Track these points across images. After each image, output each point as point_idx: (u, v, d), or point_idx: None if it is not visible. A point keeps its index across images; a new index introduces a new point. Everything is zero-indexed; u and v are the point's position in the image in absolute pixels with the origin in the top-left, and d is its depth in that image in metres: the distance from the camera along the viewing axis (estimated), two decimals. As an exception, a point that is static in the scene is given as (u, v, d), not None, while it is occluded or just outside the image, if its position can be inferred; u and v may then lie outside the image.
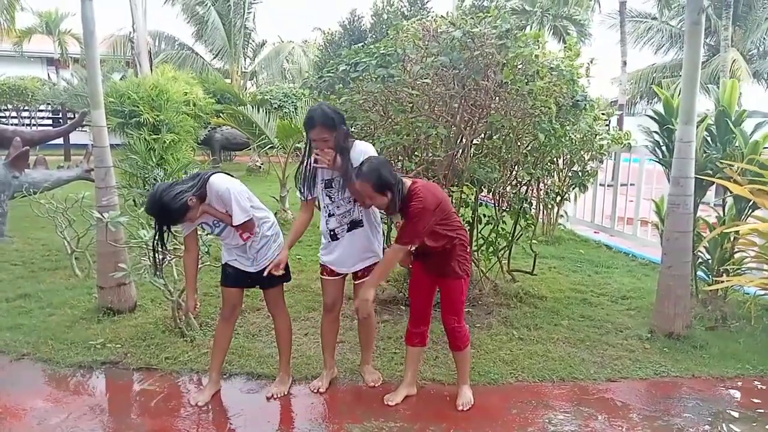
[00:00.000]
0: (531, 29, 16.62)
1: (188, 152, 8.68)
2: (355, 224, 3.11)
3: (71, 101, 14.82)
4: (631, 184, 7.44)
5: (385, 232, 4.89)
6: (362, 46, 4.58)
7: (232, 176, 3.00)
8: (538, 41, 4.30)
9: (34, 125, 18.27)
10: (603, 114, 5.90)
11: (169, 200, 2.75)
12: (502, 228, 4.59)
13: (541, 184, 5.19)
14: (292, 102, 15.02)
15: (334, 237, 3.12)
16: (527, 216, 4.71)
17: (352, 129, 3.88)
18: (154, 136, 7.37)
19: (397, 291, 4.66)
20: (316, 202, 3.23)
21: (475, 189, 4.33)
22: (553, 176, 5.40)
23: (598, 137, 5.56)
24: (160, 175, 6.91)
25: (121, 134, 7.98)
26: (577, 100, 4.47)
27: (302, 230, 3.19)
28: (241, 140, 14.33)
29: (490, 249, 4.63)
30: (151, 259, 3.23)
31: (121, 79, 10.33)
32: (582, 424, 3.02)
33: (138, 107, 7.54)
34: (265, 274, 3.03)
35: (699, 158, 4.31)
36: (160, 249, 3.02)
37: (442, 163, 4.00)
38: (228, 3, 19.70)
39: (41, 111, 19.04)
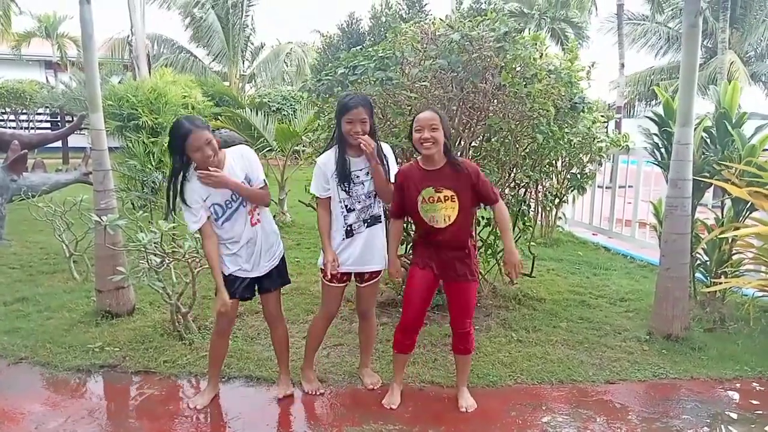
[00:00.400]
0: (529, 32, 16.66)
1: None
2: (375, 219, 3.08)
3: (69, 104, 14.82)
4: (629, 186, 7.45)
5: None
6: (361, 49, 4.58)
7: None
8: (537, 44, 4.31)
9: (32, 128, 18.25)
10: (602, 116, 5.90)
11: (193, 118, 2.78)
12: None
13: (540, 187, 5.20)
14: (291, 105, 15.05)
15: (349, 233, 3.02)
16: (526, 218, 4.71)
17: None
18: (153, 139, 7.37)
19: (396, 293, 4.65)
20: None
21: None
22: (552, 178, 5.40)
23: (596, 139, 5.57)
24: (159, 179, 6.91)
25: (120, 137, 7.99)
26: (576, 103, 4.48)
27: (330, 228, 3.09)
28: (239, 143, 14.31)
29: (489, 251, 4.63)
30: (170, 200, 2.88)
31: (119, 82, 10.34)
32: (581, 427, 3.01)
33: (136, 110, 7.56)
34: None
35: (697, 160, 4.32)
36: (176, 188, 2.83)
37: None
38: (226, 5, 19.74)
39: (39, 114, 19.02)
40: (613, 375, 3.55)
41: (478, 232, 4.62)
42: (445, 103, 4.00)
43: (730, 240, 4.39)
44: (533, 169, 4.47)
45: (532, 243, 5.14)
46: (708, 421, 3.12)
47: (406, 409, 3.12)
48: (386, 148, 3.11)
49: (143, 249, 3.67)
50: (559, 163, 5.72)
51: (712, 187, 4.66)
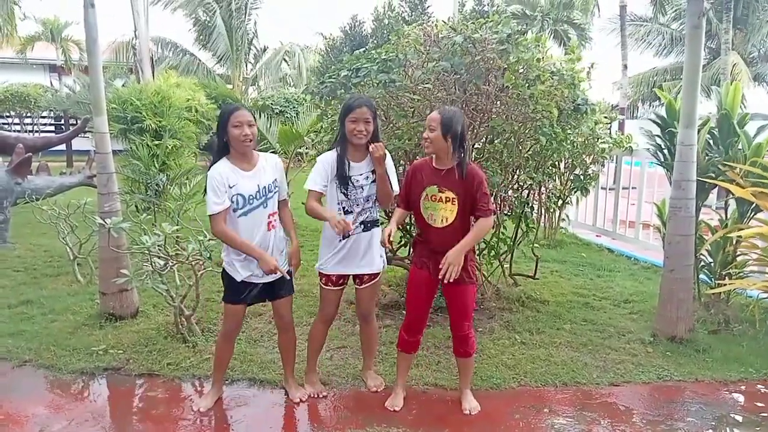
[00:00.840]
0: (532, 34, 16.65)
1: (190, 158, 8.71)
2: (373, 223, 3.11)
3: (74, 108, 14.89)
4: (632, 188, 7.44)
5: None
6: (364, 51, 4.59)
7: None
8: (539, 45, 4.31)
9: (36, 132, 18.32)
10: (605, 117, 5.90)
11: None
12: (503, 232, 4.59)
13: (543, 188, 5.19)
14: (294, 107, 15.07)
15: (346, 235, 3.03)
16: (529, 220, 4.71)
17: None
18: (157, 142, 7.39)
19: (399, 295, 4.65)
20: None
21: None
22: (555, 180, 5.39)
23: (599, 141, 5.56)
24: (163, 181, 6.93)
25: (124, 140, 8.02)
26: (579, 104, 4.47)
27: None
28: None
29: (492, 253, 4.62)
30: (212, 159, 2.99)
31: (123, 85, 10.37)
32: (585, 429, 3.01)
33: (140, 113, 7.58)
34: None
35: (701, 161, 4.31)
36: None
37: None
38: (230, 8, 19.80)
39: (44, 117, 19.10)
40: (617, 377, 3.54)
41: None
42: (448, 105, 4.00)
43: (734, 241, 4.38)
44: (536, 170, 4.47)
45: (535, 245, 5.14)
46: (713, 423, 3.10)
47: (409, 411, 3.11)
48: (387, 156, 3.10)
49: (147, 252, 3.67)
50: (562, 165, 5.71)
51: (716, 188, 4.65)
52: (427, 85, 3.89)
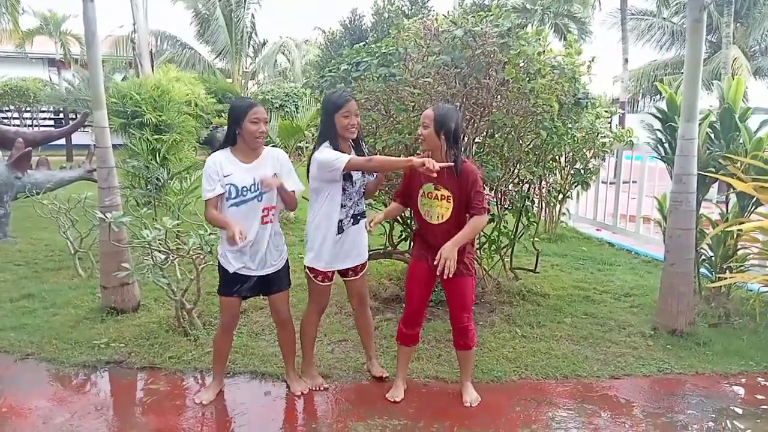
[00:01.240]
0: (532, 27, 16.60)
1: (190, 152, 8.70)
2: (361, 215, 3.15)
3: (73, 104, 14.88)
4: (633, 182, 7.44)
5: (387, 230, 4.90)
6: (364, 45, 4.58)
7: None
8: (539, 39, 4.30)
9: (36, 126, 18.30)
10: (605, 111, 5.88)
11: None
12: (504, 226, 4.59)
13: (543, 182, 5.18)
14: (294, 101, 15.04)
15: (340, 229, 3.06)
16: (529, 214, 4.71)
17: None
18: (157, 137, 7.38)
19: (400, 289, 4.66)
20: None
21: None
22: (555, 174, 5.38)
23: (600, 135, 5.55)
24: (163, 176, 6.93)
25: (124, 134, 8.00)
26: (579, 98, 4.47)
27: None
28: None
29: (493, 247, 4.63)
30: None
31: (122, 79, 10.36)
32: (585, 422, 3.02)
33: (140, 108, 7.56)
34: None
35: (702, 155, 4.31)
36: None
37: (444, 162, 3.99)
38: (230, 1, 19.74)
39: (43, 112, 19.07)
40: (618, 370, 3.55)
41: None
42: (448, 99, 3.99)
43: (735, 235, 4.38)
44: (537, 164, 4.46)
45: (536, 239, 5.14)
46: (713, 416, 3.11)
47: (410, 404, 3.12)
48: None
49: (148, 246, 3.68)
50: (562, 159, 5.71)
51: (717, 182, 4.65)
52: (427, 79, 3.88)
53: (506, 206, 4.59)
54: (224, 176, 2.87)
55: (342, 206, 3.06)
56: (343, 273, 3.22)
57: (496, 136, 4.24)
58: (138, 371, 3.48)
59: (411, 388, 3.25)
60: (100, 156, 4.20)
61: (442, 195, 2.91)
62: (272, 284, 3.08)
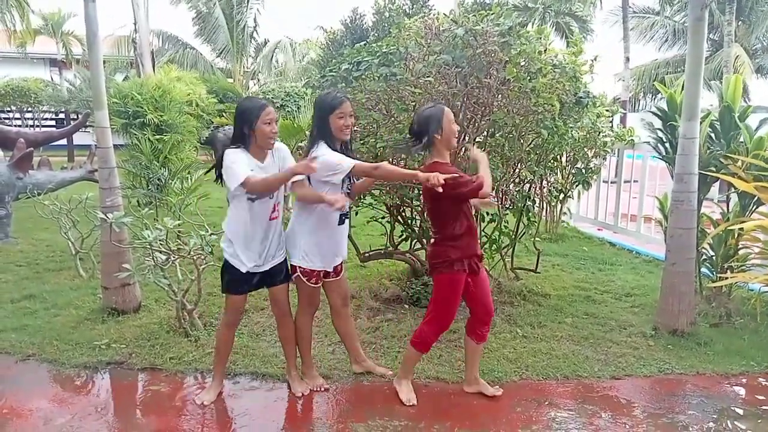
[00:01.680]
0: (533, 26, 16.58)
1: (191, 152, 8.69)
2: (346, 215, 3.19)
3: (75, 103, 14.88)
4: (634, 181, 7.43)
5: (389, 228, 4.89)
6: (364, 44, 4.58)
7: None
8: (540, 38, 4.29)
9: (37, 126, 18.31)
10: (607, 111, 5.88)
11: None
12: (505, 226, 4.59)
13: (544, 182, 5.18)
14: (295, 101, 15.03)
15: (335, 228, 3.12)
16: (530, 214, 4.70)
17: (355, 128, 3.89)
18: (158, 137, 7.38)
19: (400, 289, 4.65)
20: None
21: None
22: (556, 173, 5.38)
23: (601, 134, 5.55)
24: (164, 176, 6.92)
25: (125, 135, 8.00)
26: (580, 97, 4.46)
27: None
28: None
29: (494, 247, 4.62)
30: (221, 165, 2.98)
31: (124, 79, 10.37)
32: (586, 422, 3.01)
33: (141, 108, 7.56)
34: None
35: (703, 154, 4.30)
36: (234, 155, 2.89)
37: (444, 162, 3.99)
38: (231, 1, 19.74)
39: (45, 112, 19.09)
40: (619, 370, 3.55)
41: (482, 228, 4.62)
42: (449, 99, 3.99)
43: (736, 235, 4.37)
44: (538, 164, 4.46)
45: (536, 239, 5.13)
46: (714, 416, 3.11)
47: (411, 405, 3.11)
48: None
49: (149, 246, 3.68)
50: (563, 158, 5.71)
51: (718, 182, 4.64)
52: (428, 79, 3.88)
53: (507, 206, 4.59)
54: (250, 170, 2.89)
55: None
56: (325, 275, 3.21)
57: (497, 135, 4.24)
58: (139, 372, 3.48)
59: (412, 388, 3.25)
60: (101, 156, 4.20)
61: None
62: (275, 276, 3.13)
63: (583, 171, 5.50)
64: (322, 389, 3.27)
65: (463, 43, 3.89)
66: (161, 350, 3.70)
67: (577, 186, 5.70)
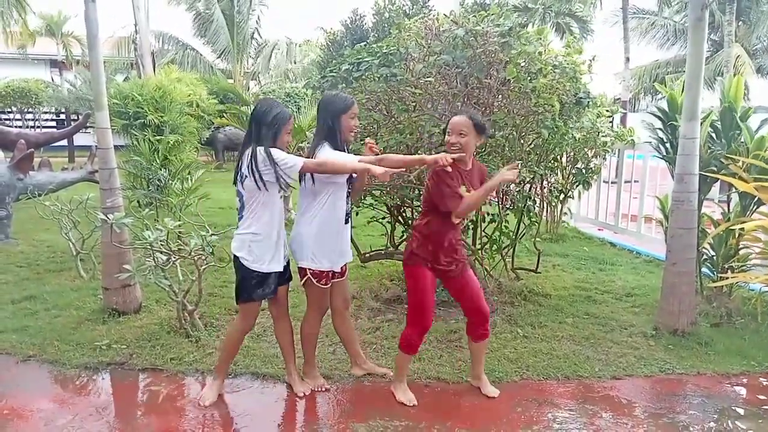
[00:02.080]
0: (533, 26, 16.57)
1: (192, 153, 8.69)
2: (348, 215, 3.19)
3: (76, 104, 14.89)
4: (635, 181, 7.43)
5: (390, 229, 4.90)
6: (365, 45, 4.58)
7: None
8: (540, 38, 4.29)
9: (38, 127, 18.33)
10: (607, 111, 5.88)
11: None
12: (505, 226, 4.59)
13: (545, 182, 5.18)
14: (295, 102, 15.04)
15: (342, 227, 3.12)
16: (531, 214, 4.70)
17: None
18: (158, 137, 7.38)
19: (401, 290, 4.65)
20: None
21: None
22: (557, 174, 5.38)
23: (601, 134, 5.54)
24: (165, 176, 6.93)
25: (125, 135, 8.00)
26: (580, 98, 4.46)
27: None
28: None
29: (494, 247, 4.62)
30: (251, 163, 2.94)
31: (124, 80, 10.37)
32: (587, 422, 3.01)
33: (142, 108, 7.56)
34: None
35: (703, 155, 4.30)
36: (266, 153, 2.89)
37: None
38: (231, 1, 19.74)
39: (45, 113, 19.11)
40: (619, 370, 3.55)
41: (483, 228, 4.62)
42: (449, 99, 3.99)
43: (736, 235, 4.37)
44: (538, 164, 4.46)
45: (537, 239, 5.13)
46: (715, 416, 3.11)
47: (412, 405, 3.12)
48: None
49: (149, 247, 3.68)
50: (564, 158, 5.71)
51: (718, 182, 4.64)
52: (428, 79, 3.88)
53: (507, 206, 4.59)
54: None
55: (342, 206, 3.10)
56: (333, 275, 3.20)
57: (498, 135, 4.23)
58: (139, 373, 3.49)
59: (412, 388, 3.24)
60: (101, 157, 4.20)
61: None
62: (283, 276, 3.14)
63: (584, 171, 5.50)
64: (323, 389, 3.27)
65: (463, 44, 3.89)
66: (162, 351, 3.70)
67: (577, 186, 5.69)
